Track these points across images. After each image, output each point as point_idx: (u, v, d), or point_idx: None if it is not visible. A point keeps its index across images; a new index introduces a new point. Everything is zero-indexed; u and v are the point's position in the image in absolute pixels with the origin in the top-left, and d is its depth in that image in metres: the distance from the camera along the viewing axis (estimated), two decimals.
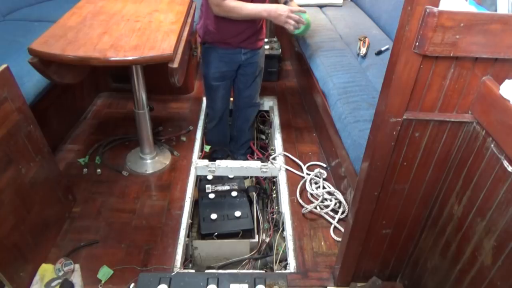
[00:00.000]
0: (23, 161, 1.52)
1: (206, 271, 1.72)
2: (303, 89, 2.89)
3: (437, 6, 0.91)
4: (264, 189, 2.36)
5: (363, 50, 2.29)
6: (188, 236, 1.88)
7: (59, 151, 2.25)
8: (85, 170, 2.12)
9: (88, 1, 2.01)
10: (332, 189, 2.02)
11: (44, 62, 1.58)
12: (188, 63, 2.44)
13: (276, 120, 2.64)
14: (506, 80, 0.98)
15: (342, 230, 1.82)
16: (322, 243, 1.79)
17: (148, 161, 2.19)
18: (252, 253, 1.90)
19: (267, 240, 1.96)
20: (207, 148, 2.44)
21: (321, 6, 3.16)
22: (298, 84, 3.08)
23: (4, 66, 1.43)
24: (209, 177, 2.24)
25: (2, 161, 1.40)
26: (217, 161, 2.19)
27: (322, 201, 1.97)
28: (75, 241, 1.73)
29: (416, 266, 1.44)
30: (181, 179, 2.11)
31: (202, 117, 2.62)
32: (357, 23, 2.79)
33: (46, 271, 1.56)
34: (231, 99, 2.45)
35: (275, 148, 2.41)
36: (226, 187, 2.18)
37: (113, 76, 2.78)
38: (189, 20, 2.03)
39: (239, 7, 1.83)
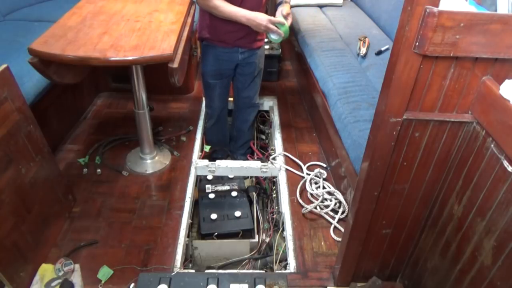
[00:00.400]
0: (23, 161, 1.52)
1: (206, 271, 1.72)
2: (303, 89, 2.89)
3: (437, 6, 0.91)
4: (264, 189, 2.36)
5: (363, 50, 2.29)
6: (188, 236, 1.88)
7: (59, 151, 2.25)
8: (85, 170, 2.12)
9: (88, 1, 2.01)
10: (332, 189, 2.02)
11: (44, 62, 1.58)
12: (188, 63, 2.44)
13: (276, 120, 2.64)
14: (506, 80, 0.98)
15: (342, 230, 1.82)
16: (322, 243, 1.79)
17: (148, 161, 2.19)
18: (252, 253, 1.90)
19: (267, 240, 1.96)
20: (207, 148, 2.44)
21: (321, 6, 3.16)
22: (298, 84, 3.08)
23: (4, 66, 1.43)
24: (209, 177, 2.24)
25: (2, 161, 1.40)
26: (217, 161, 2.19)
27: (322, 201, 1.97)
28: (75, 241, 1.73)
29: (416, 266, 1.44)
30: (181, 179, 2.11)
31: (202, 117, 2.62)
32: (357, 23, 2.79)
33: (46, 271, 1.56)
34: (231, 99, 2.45)
35: (275, 148, 2.41)
36: (226, 187, 2.18)
37: (113, 76, 2.78)
38: (189, 20, 2.03)
39: (221, 7, 1.84)
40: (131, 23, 1.79)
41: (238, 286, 1.44)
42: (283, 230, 1.92)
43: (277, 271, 1.76)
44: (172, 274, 1.51)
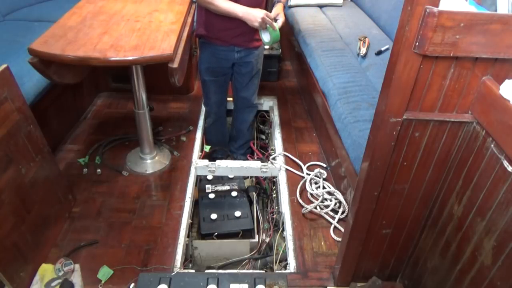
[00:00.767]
0: (23, 161, 1.52)
1: (206, 271, 1.72)
2: (303, 89, 2.89)
3: (437, 6, 0.91)
4: (264, 189, 2.36)
5: (363, 50, 2.29)
6: (188, 236, 1.88)
7: (59, 151, 2.25)
8: (85, 170, 2.12)
9: (88, 1, 2.01)
10: (332, 189, 2.02)
11: (44, 62, 1.58)
12: (188, 63, 2.44)
13: (276, 120, 2.64)
14: (506, 80, 0.98)
15: (342, 230, 1.82)
16: (322, 243, 1.79)
17: (148, 161, 2.19)
18: (252, 253, 1.90)
19: (267, 240, 1.96)
20: (207, 148, 2.44)
21: (321, 6, 3.16)
22: (298, 84, 3.08)
23: (4, 66, 1.43)
24: (209, 177, 2.24)
25: (2, 161, 1.40)
26: (217, 161, 2.19)
27: (322, 201, 1.97)
28: (75, 241, 1.73)
29: (416, 266, 1.44)
30: (181, 179, 2.11)
31: (202, 117, 2.61)
32: (357, 23, 2.79)
33: (46, 271, 1.56)
34: (231, 99, 2.46)
35: (275, 148, 2.41)
36: (226, 187, 2.18)
37: (113, 76, 2.78)
38: (189, 20, 2.03)
39: (217, 1, 1.84)
40: (131, 23, 1.79)
41: (238, 286, 1.44)
42: (283, 230, 1.92)
43: (277, 271, 1.76)
44: (172, 274, 1.52)
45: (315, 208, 1.93)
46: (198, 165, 2.19)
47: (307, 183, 2.07)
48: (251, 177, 2.39)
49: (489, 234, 1.05)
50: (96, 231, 1.79)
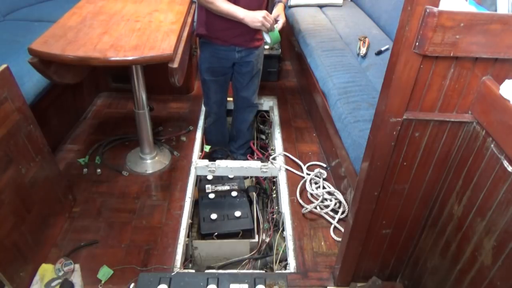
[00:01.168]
0: (23, 161, 1.52)
1: (206, 271, 1.72)
2: (303, 89, 2.89)
3: (437, 6, 0.91)
4: (264, 189, 2.36)
5: (363, 50, 2.29)
6: (188, 236, 1.88)
7: (59, 151, 2.25)
8: (85, 170, 2.12)
9: (88, 1, 2.01)
10: (332, 189, 2.02)
11: (44, 62, 1.58)
12: (188, 63, 2.44)
13: (276, 120, 2.64)
14: (506, 80, 0.98)
15: (342, 230, 1.82)
16: (322, 243, 1.79)
17: (148, 161, 2.19)
18: (252, 253, 1.90)
19: (267, 240, 1.96)
20: (207, 148, 2.44)
21: (321, 6, 3.16)
22: (298, 84, 3.08)
23: (4, 66, 1.43)
24: (209, 177, 2.24)
25: (2, 161, 1.40)
26: (217, 161, 2.19)
27: (322, 201, 1.97)
28: (75, 241, 1.73)
29: (416, 266, 1.44)
30: (181, 179, 2.11)
31: (202, 117, 2.62)
32: (357, 23, 2.79)
33: (46, 271, 1.56)
34: (231, 99, 2.45)
35: (275, 148, 2.41)
36: (226, 187, 2.18)
37: (113, 76, 2.78)
38: (189, 20, 2.03)
39: (218, 2, 1.83)
40: (131, 23, 1.79)
41: (238, 286, 1.44)
42: (283, 230, 1.92)
43: (277, 271, 1.76)
44: (172, 274, 1.51)
45: (315, 208, 1.93)
46: (198, 165, 2.19)
47: (307, 183, 2.07)
48: (251, 177, 2.39)
49: (489, 234, 1.05)
50: (96, 231, 1.79)
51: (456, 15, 0.91)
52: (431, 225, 1.34)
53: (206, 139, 2.51)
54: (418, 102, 1.07)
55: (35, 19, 2.41)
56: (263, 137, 2.86)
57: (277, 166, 2.20)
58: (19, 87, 1.51)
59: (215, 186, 2.18)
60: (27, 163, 1.54)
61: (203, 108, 2.65)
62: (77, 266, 1.59)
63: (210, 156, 2.48)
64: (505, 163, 0.98)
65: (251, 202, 2.14)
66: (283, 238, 1.88)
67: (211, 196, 2.12)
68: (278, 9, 1.94)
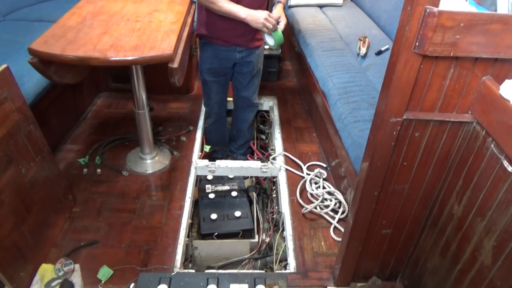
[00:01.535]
0: (23, 161, 1.52)
1: (206, 271, 1.72)
2: (303, 89, 2.89)
3: (437, 6, 0.91)
4: (264, 189, 2.36)
5: (363, 50, 2.29)
6: (188, 236, 1.88)
7: (59, 151, 2.25)
8: (85, 170, 2.12)
9: (88, 1, 2.01)
10: (332, 189, 2.02)
11: (44, 62, 1.58)
12: (188, 63, 2.44)
13: (276, 120, 2.64)
14: (506, 80, 0.98)
15: (342, 230, 1.82)
16: (322, 243, 1.79)
17: (148, 161, 2.19)
18: (252, 253, 1.90)
19: (267, 240, 1.96)
20: (207, 148, 2.44)
21: (321, 6, 3.16)
22: (298, 84, 3.08)
23: (4, 66, 1.43)
24: (209, 177, 2.24)
25: (2, 161, 1.40)
26: (217, 161, 2.19)
27: (322, 201, 1.97)
28: (75, 241, 1.73)
29: (416, 266, 1.44)
30: (181, 179, 2.11)
31: (202, 117, 2.61)
32: (357, 23, 2.79)
33: (46, 271, 1.56)
34: (231, 99, 2.45)
35: (275, 148, 2.41)
36: (226, 187, 2.18)
37: (113, 76, 2.78)
38: (189, 20, 2.03)
39: (220, 2, 1.83)
40: (131, 23, 1.79)
41: (238, 286, 1.44)
42: (283, 230, 1.92)
43: (277, 271, 1.76)
44: (172, 274, 1.51)
45: (315, 208, 1.93)
46: (198, 165, 2.19)
47: (307, 183, 2.07)
48: (251, 177, 2.39)
49: (489, 234, 1.05)
50: (96, 231, 1.79)
51: (456, 15, 0.91)
52: (431, 225, 1.34)
53: (206, 139, 2.51)
54: (418, 102, 1.07)
55: (35, 19, 2.41)
56: (263, 137, 2.86)
57: (277, 166, 2.20)
58: (19, 87, 1.51)
59: (215, 186, 2.18)
60: (27, 163, 1.54)
61: (203, 108, 2.65)
62: (77, 266, 1.59)
63: (210, 156, 2.48)
64: (505, 163, 0.98)
65: (251, 202, 2.14)
66: (283, 238, 1.88)
67: (211, 196, 2.12)
68: (279, 10, 1.93)
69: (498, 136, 1.00)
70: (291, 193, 2.04)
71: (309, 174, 2.13)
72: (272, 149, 2.50)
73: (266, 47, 2.77)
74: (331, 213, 1.91)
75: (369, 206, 1.30)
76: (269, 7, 2.04)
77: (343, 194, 1.96)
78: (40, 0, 2.68)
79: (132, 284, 1.53)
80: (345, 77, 2.09)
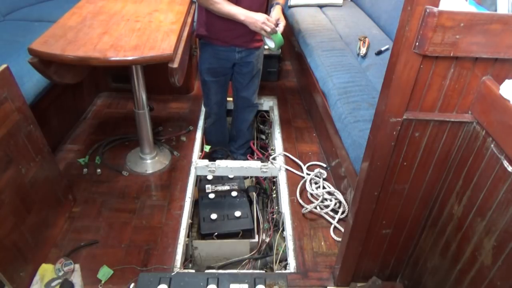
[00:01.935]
0: (23, 161, 1.52)
1: (206, 271, 1.72)
2: (303, 89, 2.89)
3: (437, 6, 0.91)
4: (264, 189, 2.36)
5: (363, 50, 2.29)
6: (188, 236, 1.88)
7: (59, 151, 2.25)
8: (85, 170, 2.12)
9: (88, 1, 2.01)
10: (332, 189, 2.02)
11: (44, 62, 1.58)
12: (188, 63, 2.44)
13: (276, 120, 2.64)
14: (506, 80, 0.98)
15: (342, 230, 1.82)
16: (322, 243, 1.79)
17: (148, 161, 2.19)
18: (252, 253, 1.90)
19: (267, 240, 1.96)
20: (207, 148, 2.44)
21: (321, 6, 3.16)
22: (298, 84, 3.08)
23: (4, 66, 1.43)
24: (209, 177, 2.24)
25: (2, 161, 1.40)
26: (217, 161, 2.19)
27: (322, 201, 1.97)
28: (75, 241, 1.73)
29: (416, 266, 1.44)
30: (181, 179, 2.11)
31: (202, 117, 2.62)
32: (357, 23, 2.79)
33: (46, 271, 1.56)
34: (230, 99, 2.45)
35: (275, 148, 2.41)
36: (226, 187, 2.18)
37: (113, 76, 2.78)
38: (189, 20, 2.03)
39: (219, 3, 1.83)
40: (131, 23, 1.79)
41: (238, 286, 1.44)
42: (283, 230, 1.92)
43: (277, 271, 1.76)
44: (172, 274, 1.51)
45: (315, 208, 1.93)
46: (198, 165, 2.19)
47: (307, 183, 2.07)
48: (251, 177, 2.39)
49: (489, 234, 1.05)
50: (96, 231, 1.79)
51: (456, 15, 0.91)
52: (431, 225, 1.34)
53: (206, 139, 2.51)
54: (418, 102, 1.07)
55: (35, 19, 2.41)
56: (263, 137, 2.86)
57: (277, 166, 2.20)
58: (19, 87, 1.51)
59: (215, 186, 2.18)
60: (27, 163, 1.54)
61: (203, 108, 2.65)
62: (77, 266, 1.59)
63: (210, 156, 2.48)
64: (505, 163, 0.98)
65: (251, 202, 2.14)
66: (283, 238, 1.88)
67: (211, 196, 2.12)
68: (277, 12, 1.91)
69: (498, 136, 1.00)
70: (291, 193, 2.04)
71: (309, 174, 2.13)
72: (272, 149, 2.50)
73: (266, 47, 2.78)
74: (331, 213, 1.91)
75: (369, 206, 1.30)
76: (267, 8, 2.04)
77: (343, 194, 1.96)
78: (40, 0, 2.68)
79: (132, 284, 1.53)
80: (345, 77, 2.09)
